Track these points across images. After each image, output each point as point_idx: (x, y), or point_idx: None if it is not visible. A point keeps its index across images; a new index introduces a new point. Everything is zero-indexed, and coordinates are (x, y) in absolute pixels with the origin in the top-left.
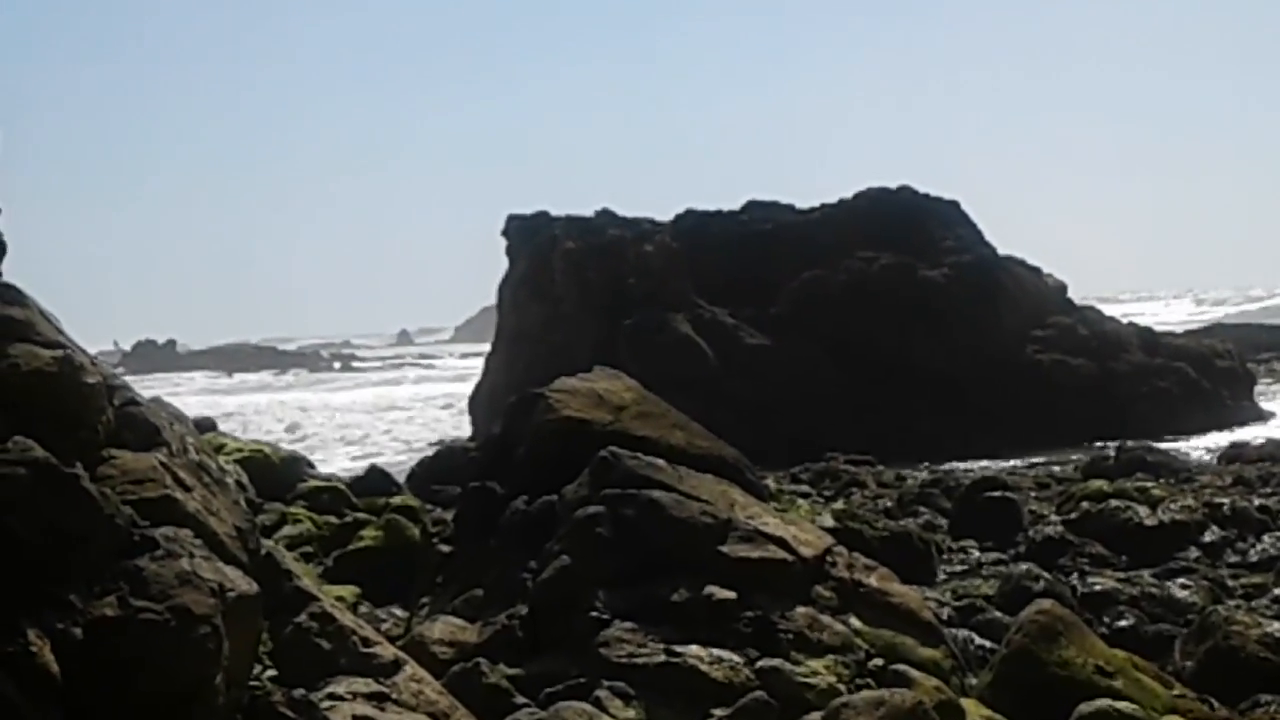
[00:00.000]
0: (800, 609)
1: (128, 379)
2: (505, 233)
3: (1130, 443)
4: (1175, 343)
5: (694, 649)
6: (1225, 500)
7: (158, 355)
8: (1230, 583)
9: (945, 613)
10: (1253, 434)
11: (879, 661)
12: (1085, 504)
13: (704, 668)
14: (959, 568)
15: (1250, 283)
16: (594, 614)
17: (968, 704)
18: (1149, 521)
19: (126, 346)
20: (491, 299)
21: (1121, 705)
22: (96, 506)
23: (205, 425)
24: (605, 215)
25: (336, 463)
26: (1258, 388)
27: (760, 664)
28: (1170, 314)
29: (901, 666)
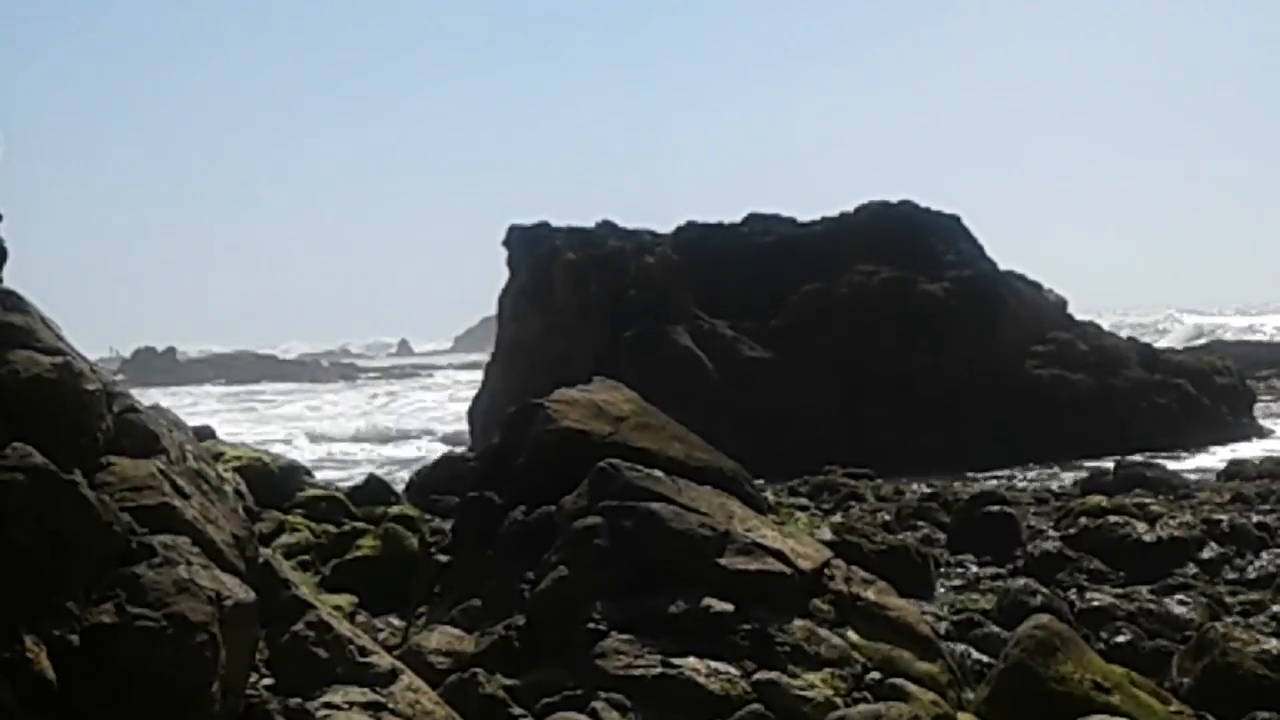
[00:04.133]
0: (798, 622)
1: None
2: (506, 243)
3: (1129, 458)
4: (1175, 359)
5: (691, 661)
6: (1224, 517)
7: (157, 363)
8: (1228, 599)
9: (943, 627)
10: (1252, 451)
11: (876, 675)
12: (1084, 519)
13: (701, 680)
14: (957, 582)
15: (1251, 299)
16: (591, 625)
17: (964, 718)
18: (1147, 537)
19: (126, 353)
20: (492, 309)
21: None
22: (95, 513)
23: (204, 433)
24: (606, 226)
25: (336, 471)
26: (1257, 405)
27: (757, 677)
28: (1171, 330)
29: (898, 680)
